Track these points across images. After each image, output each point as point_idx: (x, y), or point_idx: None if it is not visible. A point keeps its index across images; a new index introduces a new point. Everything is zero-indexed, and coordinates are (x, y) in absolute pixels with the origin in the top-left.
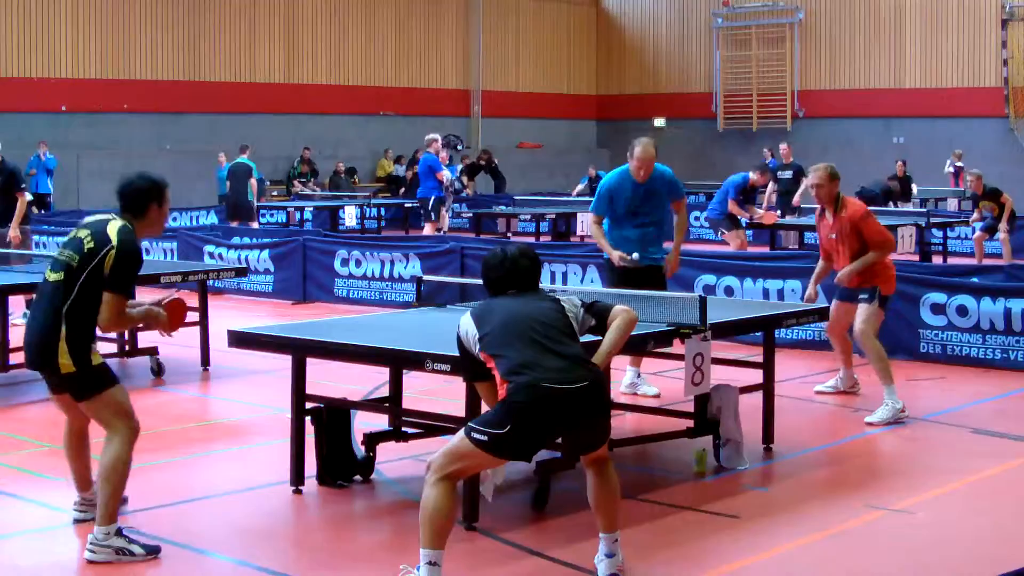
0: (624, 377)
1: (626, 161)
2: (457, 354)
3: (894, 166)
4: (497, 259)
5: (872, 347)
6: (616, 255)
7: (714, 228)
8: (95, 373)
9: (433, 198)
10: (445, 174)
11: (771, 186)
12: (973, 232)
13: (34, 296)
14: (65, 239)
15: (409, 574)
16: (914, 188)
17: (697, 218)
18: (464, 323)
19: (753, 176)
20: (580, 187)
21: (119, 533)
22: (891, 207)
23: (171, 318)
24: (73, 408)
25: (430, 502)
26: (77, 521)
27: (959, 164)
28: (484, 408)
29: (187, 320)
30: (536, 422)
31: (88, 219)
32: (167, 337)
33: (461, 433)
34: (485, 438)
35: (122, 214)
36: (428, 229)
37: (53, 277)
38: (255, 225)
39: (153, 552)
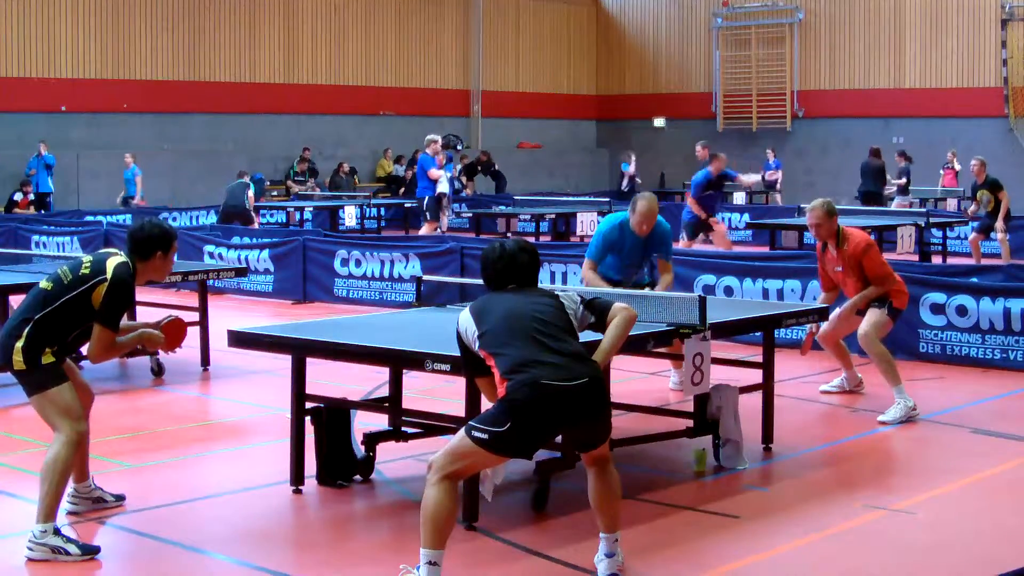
0: (672, 377)
1: (624, 161)
2: (457, 353)
3: (895, 165)
4: (496, 253)
5: (877, 350)
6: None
7: (693, 233)
8: (42, 371)
9: (427, 197)
10: (434, 172)
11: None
12: (970, 232)
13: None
14: (72, 260)
15: (409, 574)
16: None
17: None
18: (463, 320)
19: (711, 168)
20: (627, 174)
21: (56, 532)
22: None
23: (169, 338)
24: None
25: (431, 502)
26: (68, 513)
27: (955, 165)
28: (484, 406)
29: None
30: (536, 420)
31: (98, 251)
32: (169, 355)
33: (462, 432)
34: (486, 436)
35: (128, 254)
36: (425, 229)
37: (43, 285)
38: (256, 226)
39: (90, 552)
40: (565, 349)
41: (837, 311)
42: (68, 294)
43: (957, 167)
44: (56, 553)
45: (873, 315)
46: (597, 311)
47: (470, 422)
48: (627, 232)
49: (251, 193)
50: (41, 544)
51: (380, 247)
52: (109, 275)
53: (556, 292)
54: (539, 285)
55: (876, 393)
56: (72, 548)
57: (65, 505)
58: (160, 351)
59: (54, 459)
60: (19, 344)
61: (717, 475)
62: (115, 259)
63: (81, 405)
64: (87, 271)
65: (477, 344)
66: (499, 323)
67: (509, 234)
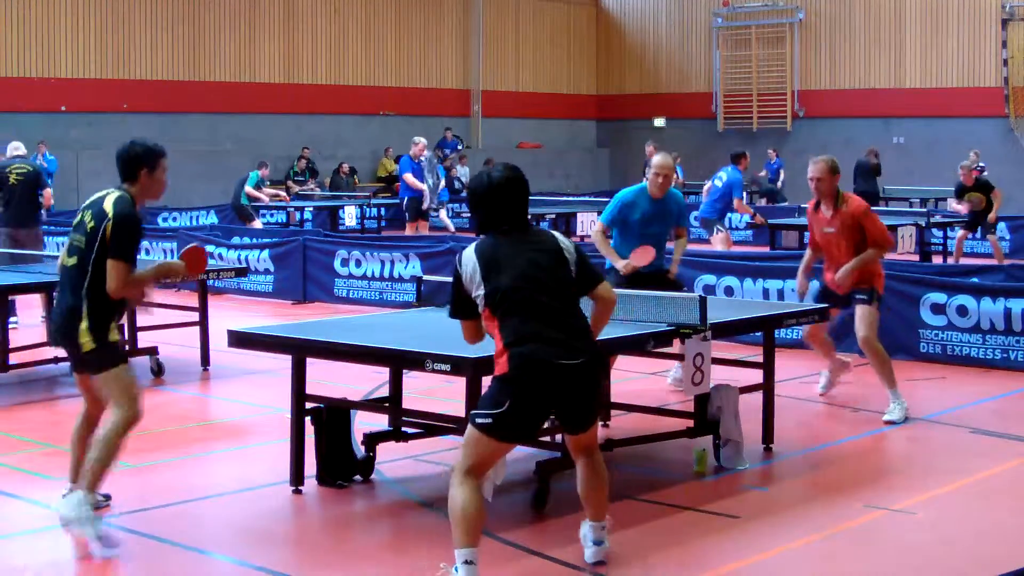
0: (671, 372)
1: (624, 162)
2: (457, 353)
3: (894, 166)
4: (483, 185)
5: (878, 353)
6: (622, 263)
7: (708, 228)
8: (111, 349)
9: (407, 199)
10: (409, 178)
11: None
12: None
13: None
14: (75, 222)
15: (448, 574)
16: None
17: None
18: (467, 260)
19: (740, 167)
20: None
21: (95, 507)
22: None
23: (189, 265)
24: (90, 392)
25: (456, 502)
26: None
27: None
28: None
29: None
30: (532, 394)
31: (91, 199)
32: (193, 278)
33: (469, 425)
34: (489, 420)
35: (121, 183)
36: (408, 230)
37: (69, 262)
38: (257, 224)
39: (110, 545)
40: (570, 324)
41: (840, 273)
42: (92, 254)
43: (982, 164)
44: (83, 524)
45: (867, 314)
46: (585, 280)
47: (472, 411)
48: (644, 198)
49: (249, 188)
50: (81, 509)
51: (380, 247)
52: (111, 214)
53: (558, 240)
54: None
55: (874, 394)
56: (99, 529)
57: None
58: (184, 278)
59: (112, 432)
60: (83, 325)
61: (717, 475)
62: (110, 196)
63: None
64: (92, 224)
65: (481, 298)
66: (509, 285)
67: None
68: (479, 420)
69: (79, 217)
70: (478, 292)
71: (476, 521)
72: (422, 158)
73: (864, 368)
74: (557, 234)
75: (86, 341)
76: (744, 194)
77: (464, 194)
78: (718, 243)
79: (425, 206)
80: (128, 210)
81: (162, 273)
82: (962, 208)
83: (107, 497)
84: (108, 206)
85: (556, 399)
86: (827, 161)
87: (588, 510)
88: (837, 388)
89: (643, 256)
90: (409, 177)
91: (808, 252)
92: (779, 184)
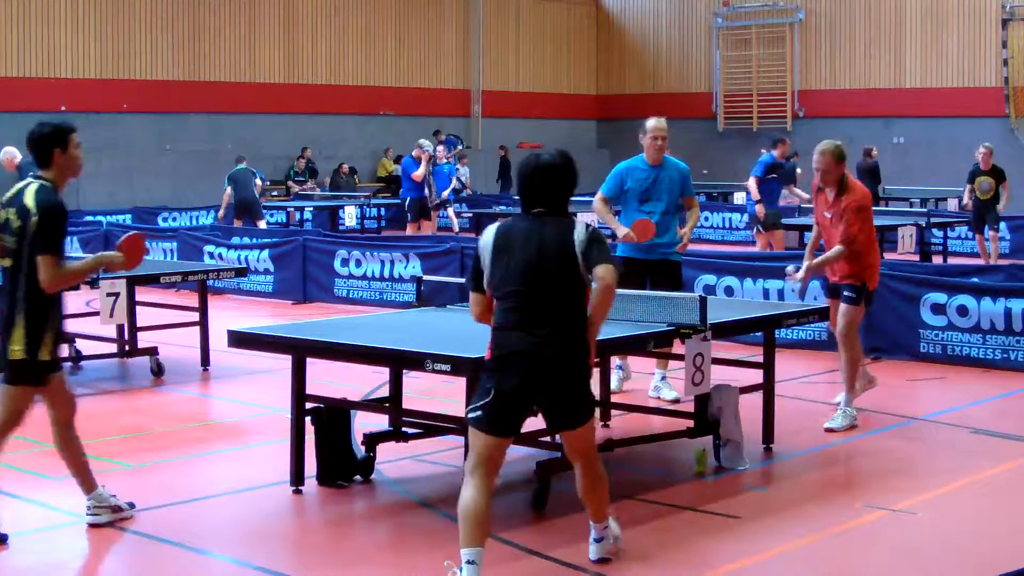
0: (653, 379)
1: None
2: (457, 353)
3: (894, 166)
4: (529, 168)
5: (852, 351)
6: (623, 232)
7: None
8: (34, 369)
9: (408, 199)
10: (419, 174)
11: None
12: (981, 232)
13: None
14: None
15: (454, 572)
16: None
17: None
18: (486, 238)
19: (776, 152)
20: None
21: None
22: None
23: (128, 256)
24: (45, 396)
25: (463, 501)
26: (92, 525)
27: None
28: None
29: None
30: (510, 380)
31: (9, 193)
32: (131, 268)
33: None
34: (479, 413)
35: (37, 171)
36: (409, 230)
37: (5, 263)
38: (262, 224)
39: (131, 506)
40: (557, 318)
41: (830, 301)
42: (24, 255)
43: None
44: (116, 512)
45: (850, 313)
46: (589, 260)
47: (467, 409)
48: (642, 166)
49: (258, 181)
50: (103, 507)
51: (380, 247)
52: (34, 208)
53: (574, 224)
54: (567, 208)
55: (874, 394)
56: (125, 504)
57: (87, 517)
58: (121, 268)
59: None
60: (17, 333)
61: (717, 475)
62: (29, 190)
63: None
64: (19, 221)
65: (486, 278)
66: (507, 271)
67: None
68: (471, 416)
69: (3, 216)
70: (486, 272)
71: (478, 521)
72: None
73: (871, 365)
74: (580, 224)
75: (17, 349)
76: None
77: (465, 194)
78: (776, 241)
79: (442, 201)
80: (50, 199)
81: (100, 264)
82: (967, 200)
83: (131, 505)
84: (29, 201)
85: (535, 389)
86: (832, 150)
87: (588, 511)
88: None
89: (643, 230)
90: (419, 173)
91: (814, 231)
92: (795, 186)
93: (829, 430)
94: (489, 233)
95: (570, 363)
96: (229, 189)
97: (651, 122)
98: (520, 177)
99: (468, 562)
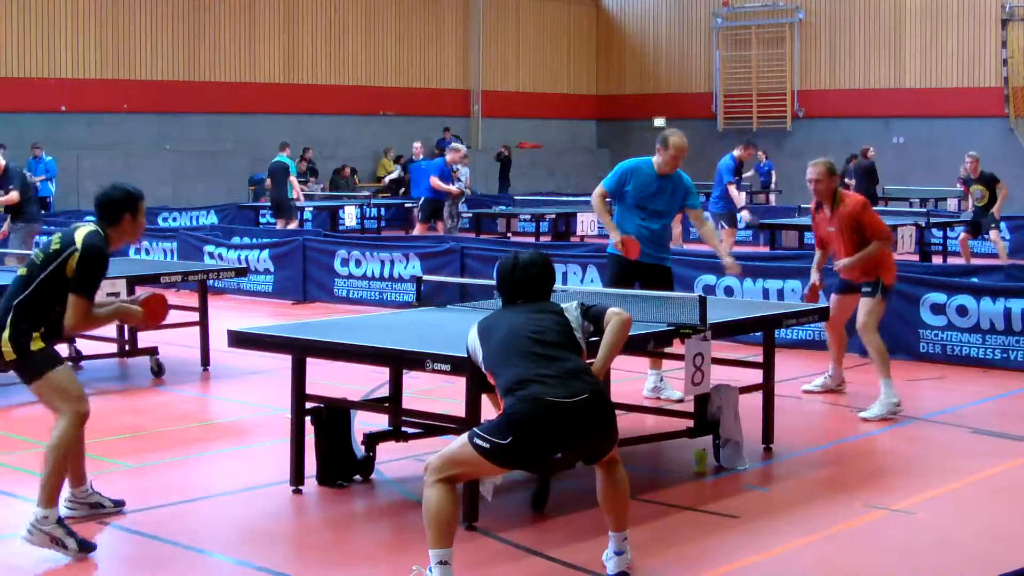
0: (647, 381)
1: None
2: (457, 353)
3: (894, 166)
4: (508, 266)
5: (874, 341)
6: (617, 237)
7: (718, 222)
8: (35, 358)
9: (423, 199)
10: (436, 182)
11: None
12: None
13: None
14: (44, 240)
15: (421, 575)
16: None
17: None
18: (472, 339)
19: (738, 153)
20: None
21: (59, 522)
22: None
23: (148, 313)
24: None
25: (432, 503)
26: (66, 518)
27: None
28: (486, 407)
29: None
30: (537, 435)
31: (68, 228)
32: (148, 328)
33: (464, 438)
34: (487, 445)
35: (98, 221)
36: (418, 229)
37: (20, 272)
38: (294, 225)
39: (87, 549)
40: (562, 367)
41: (843, 262)
42: (42, 273)
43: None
44: (54, 543)
45: (868, 303)
46: (594, 319)
47: (474, 428)
48: (648, 171)
49: (294, 179)
50: (41, 530)
51: (380, 247)
52: (79, 245)
53: (562, 306)
54: (549, 297)
55: (865, 392)
56: (71, 542)
57: (63, 510)
58: (139, 327)
59: (56, 439)
60: (4, 335)
61: (717, 475)
62: (84, 228)
63: (80, 386)
64: (57, 246)
65: (481, 363)
66: (498, 343)
67: (509, 234)
68: (478, 441)
69: (51, 238)
70: (481, 362)
71: (450, 522)
72: (456, 165)
73: (865, 368)
74: (565, 303)
75: (7, 351)
76: (736, 182)
77: (466, 194)
78: (727, 238)
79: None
80: (98, 244)
81: (119, 314)
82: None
83: (119, 503)
84: (79, 236)
85: (563, 439)
86: (824, 163)
87: (609, 520)
88: (833, 396)
89: (630, 249)
90: (438, 182)
91: (817, 252)
92: (771, 186)
93: (864, 419)
94: (472, 331)
95: (595, 408)
96: (268, 182)
97: (675, 138)
98: (500, 276)
99: (441, 562)
